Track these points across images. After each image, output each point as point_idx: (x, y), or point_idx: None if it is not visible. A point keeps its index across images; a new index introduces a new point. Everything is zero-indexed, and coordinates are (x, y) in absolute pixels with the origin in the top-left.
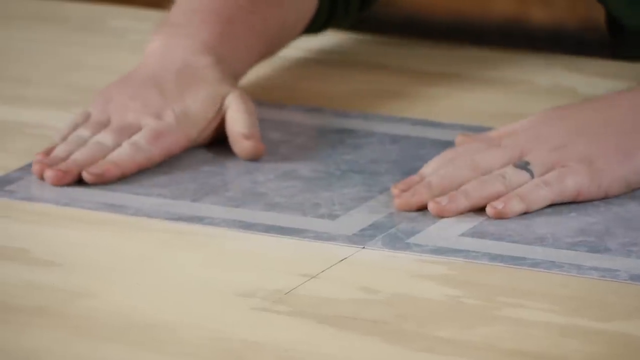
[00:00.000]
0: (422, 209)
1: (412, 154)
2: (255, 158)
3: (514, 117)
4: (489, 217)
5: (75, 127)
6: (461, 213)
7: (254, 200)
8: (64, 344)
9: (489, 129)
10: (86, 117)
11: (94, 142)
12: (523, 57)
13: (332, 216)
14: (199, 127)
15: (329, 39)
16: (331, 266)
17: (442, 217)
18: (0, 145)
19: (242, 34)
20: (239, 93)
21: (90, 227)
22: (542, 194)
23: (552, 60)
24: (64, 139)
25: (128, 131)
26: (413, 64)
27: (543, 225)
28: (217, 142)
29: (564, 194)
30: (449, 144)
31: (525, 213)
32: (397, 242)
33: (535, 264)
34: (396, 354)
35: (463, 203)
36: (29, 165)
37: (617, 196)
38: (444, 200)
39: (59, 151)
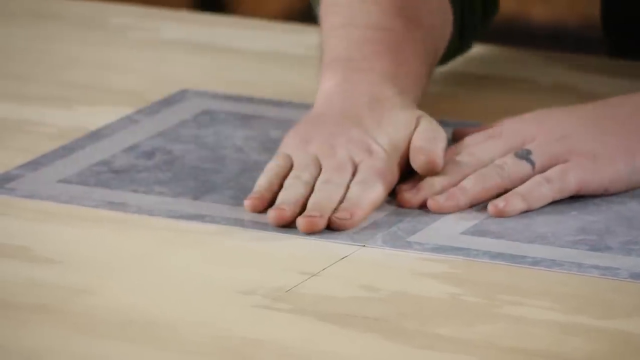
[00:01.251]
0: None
1: None
2: (428, 173)
3: (514, 115)
4: (489, 216)
5: (278, 171)
6: (461, 209)
7: None
8: (64, 341)
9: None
10: (287, 161)
11: (322, 183)
12: (523, 55)
13: None
14: (401, 154)
15: None
16: (332, 264)
17: (442, 213)
18: (0, 142)
19: (412, 60)
20: (430, 117)
21: (90, 225)
22: (544, 192)
23: (553, 58)
24: (272, 185)
25: (345, 170)
26: None
27: (544, 223)
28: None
29: (565, 191)
30: (449, 142)
31: (526, 211)
32: (398, 240)
33: (535, 262)
34: (397, 352)
35: (462, 200)
36: (30, 163)
37: (617, 194)
38: (441, 198)
39: (286, 195)
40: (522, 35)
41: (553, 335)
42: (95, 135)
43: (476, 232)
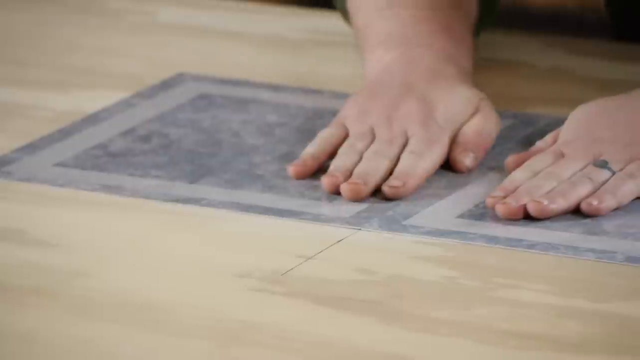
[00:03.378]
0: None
1: None
2: (464, 171)
3: (514, 100)
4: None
5: (331, 140)
6: (558, 214)
7: (251, 182)
8: (60, 324)
9: None
10: (342, 130)
11: (372, 152)
12: (523, 39)
13: (330, 198)
14: (445, 151)
15: (328, 20)
16: (328, 247)
17: (541, 217)
18: None
19: (465, 38)
20: (489, 102)
21: (87, 208)
22: (630, 188)
23: (552, 42)
24: (320, 153)
25: (396, 143)
26: None
27: None
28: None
29: None
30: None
31: (616, 209)
32: (394, 223)
33: (531, 245)
34: (392, 335)
35: (561, 204)
36: (27, 146)
37: None
38: (545, 200)
39: (339, 162)
40: (520, 19)
41: (549, 318)
42: (92, 119)
43: (472, 215)
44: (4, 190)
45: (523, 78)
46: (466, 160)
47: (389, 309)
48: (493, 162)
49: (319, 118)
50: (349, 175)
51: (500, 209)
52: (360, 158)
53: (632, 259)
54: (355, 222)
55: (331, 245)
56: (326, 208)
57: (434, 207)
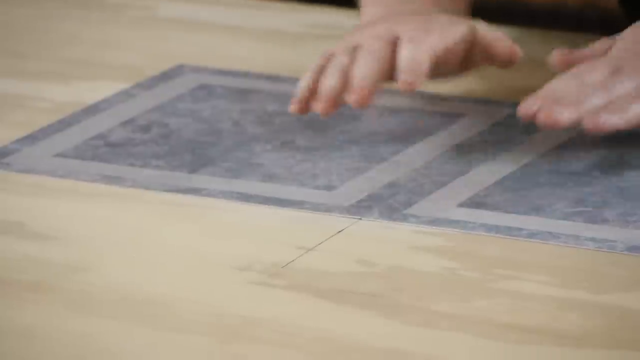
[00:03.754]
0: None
1: (410, 126)
2: (510, 61)
3: (515, 90)
4: (489, 186)
5: (317, 71)
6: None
7: (251, 171)
8: (59, 319)
9: (490, 101)
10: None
11: (366, 51)
12: (523, 34)
13: (330, 187)
14: (448, 40)
15: (328, 16)
16: (328, 238)
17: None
18: None
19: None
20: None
21: (86, 199)
22: None
23: (552, 37)
24: (313, 83)
25: (387, 40)
26: None
27: (540, 195)
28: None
29: None
30: (448, 116)
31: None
32: (394, 212)
33: (531, 234)
34: (393, 328)
35: (621, 124)
36: (26, 137)
37: (612, 166)
38: (603, 115)
39: (328, 82)
40: (521, 14)
41: (549, 310)
42: (92, 110)
43: (472, 204)
44: (3, 182)
45: (524, 71)
46: (503, 45)
47: (389, 302)
48: (493, 150)
49: None
50: (336, 93)
51: (542, 118)
52: (345, 72)
53: (632, 248)
54: (356, 211)
55: (331, 236)
56: (326, 197)
57: (434, 195)
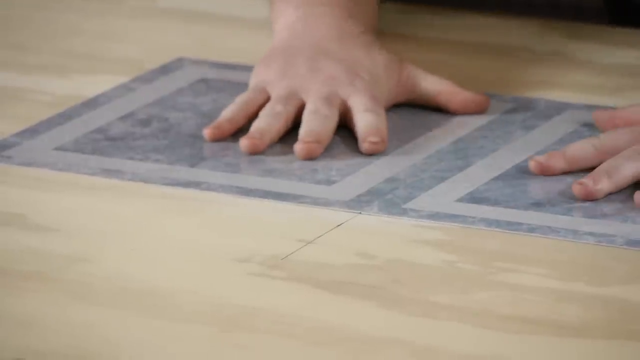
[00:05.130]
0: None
1: (411, 121)
2: (480, 111)
3: (514, 84)
4: (489, 181)
5: (250, 104)
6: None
7: (251, 165)
8: (60, 310)
9: (489, 95)
10: (262, 94)
11: (311, 113)
12: (522, 24)
13: (329, 182)
14: (384, 92)
15: None
16: (328, 231)
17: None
18: None
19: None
20: (414, 66)
21: (87, 193)
22: None
23: (550, 27)
24: (237, 117)
25: (333, 103)
26: (412, 30)
27: (539, 190)
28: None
29: None
30: (447, 111)
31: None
32: (394, 207)
33: (531, 229)
34: (392, 320)
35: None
36: (26, 130)
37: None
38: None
39: (260, 125)
40: (520, 4)
41: (549, 302)
42: (92, 103)
43: (472, 199)
44: (3, 175)
45: (522, 62)
46: (470, 101)
47: (388, 293)
48: (493, 145)
49: None
50: (272, 135)
51: (576, 191)
52: (284, 121)
53: (631, 243)
54: (355, 205)
55: (331, 230)
56: (326, 191)
57: (434, 190)
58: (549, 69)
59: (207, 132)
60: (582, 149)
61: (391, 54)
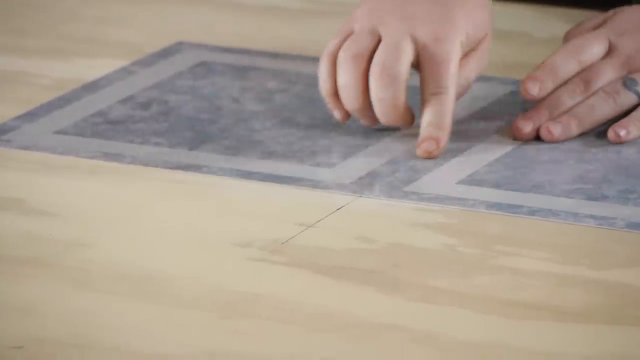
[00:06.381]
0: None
1: (412, 104)
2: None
3: (512, 68)
4: (489, 163)
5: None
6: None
7: (251, 148)
8: (59, 295)
9: (489, 79)
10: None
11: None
12: (520, 9)
13: (330, 164)
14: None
15: None
16: (328, 215)
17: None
18: None
19: None
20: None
21: (86, 176)
22: None
23: (549, 12)
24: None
25: (404, 53)
26: None
27: (540, 172)
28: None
29: None
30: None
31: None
32: (394, 190)
33: (532, 212)
34: (392, 304)
35: (574, 131)
36: (26, 114)
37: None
38: (556, 131)
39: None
40: None
41: (550, 286)
42: (92, 87)
43: (472, 181)
44: (3, 159)
45: (522, 47)
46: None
47: (388, 278)
48: (494, 126)
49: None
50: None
51: (515, 132)
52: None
53: (632, 225)
54: (356, 188)
55: (332, 213)
56: (326, 174)
57: (435, 172)
58: (548, 54)
59: (337, 116)
60: (564, 61)
61: (486, 17)
